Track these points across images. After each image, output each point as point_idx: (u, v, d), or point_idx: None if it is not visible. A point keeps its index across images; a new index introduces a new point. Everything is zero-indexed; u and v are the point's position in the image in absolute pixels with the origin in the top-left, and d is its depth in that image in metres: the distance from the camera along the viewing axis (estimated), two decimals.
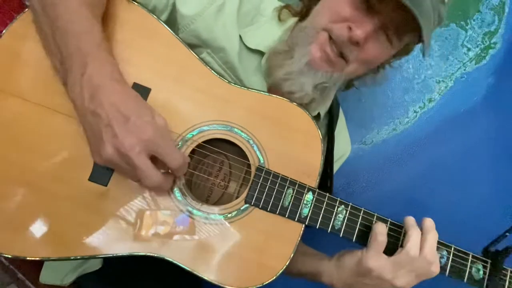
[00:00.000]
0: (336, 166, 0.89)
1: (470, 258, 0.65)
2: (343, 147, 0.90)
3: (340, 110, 0.91)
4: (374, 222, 0.64)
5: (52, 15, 0.56)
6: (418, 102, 1.12)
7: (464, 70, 1.13)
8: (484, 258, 0.65)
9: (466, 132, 1.11)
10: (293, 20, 0.76)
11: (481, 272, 0.65)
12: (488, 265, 0.65)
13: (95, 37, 0.57)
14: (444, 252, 0.64)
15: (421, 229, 0.63)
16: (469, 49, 1.13)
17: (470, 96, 1.12)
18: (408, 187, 1.10)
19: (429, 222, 0.63)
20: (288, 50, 0.68)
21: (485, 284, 0.64)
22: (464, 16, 1.13)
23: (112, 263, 0.78)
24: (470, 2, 1.13)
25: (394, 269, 0.60)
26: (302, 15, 0.74)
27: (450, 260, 0.64)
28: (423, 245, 0.61)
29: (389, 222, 0.65)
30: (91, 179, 0.61)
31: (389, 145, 1.12)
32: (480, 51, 1.13)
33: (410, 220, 0.63)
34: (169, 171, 0.58)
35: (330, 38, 0.65)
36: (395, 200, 1.09)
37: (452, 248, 0.64)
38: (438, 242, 0.63)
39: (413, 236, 0.61)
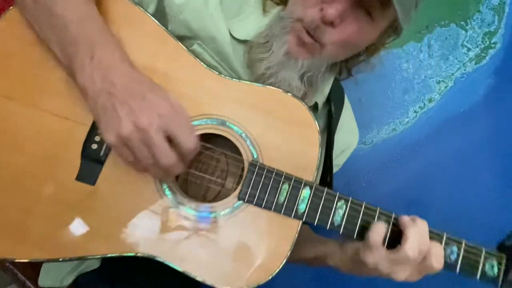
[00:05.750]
0: (341, 159, 0.85)
1: (483, 254, 0.59)
2: (348, 138, 0.84)
3: (346, 99, 0.86)
4: (376, 217, 0.60)
5: (48, 4, 0.55)
6: (418, 102, 1.12)
7: (464, 70, 1.13)
8: (499, 254, 0.60)
9: (466, 132, 1.11)
10: (278, 8, 0.73)
11: (496, 269, 0.59)
12: (504, 260, 0.59)
13: (96, 21, 0.57)
14: (454, 248, 0.59)
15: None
16: (469, 49, 1.13)
17: (470, 96, 1.12)
18: (408, 187, 1.10)
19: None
20: (266, 42, 0.66)
21: (500, 281, 0.59)
22: (464, 16, 1.13)
23: (111, 261, 0.77)
24: (470, 2, 1.13)
25: (391, 265, 0.58)
26: (284, 2, 0.71)
27: (461, 257, 0.58)
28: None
29: (393, 217, 0.61)
30: (79, 178, 0.59)
31: (389, 145, 1.12)
32: (480, 51, 1.13)
33: (405, 220, 0.59)
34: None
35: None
36: (395, 200, 1.09)
37: (463, 244, 0.59)
38: (448, 237, 0.59)
39: (411, 237, 0.57)
